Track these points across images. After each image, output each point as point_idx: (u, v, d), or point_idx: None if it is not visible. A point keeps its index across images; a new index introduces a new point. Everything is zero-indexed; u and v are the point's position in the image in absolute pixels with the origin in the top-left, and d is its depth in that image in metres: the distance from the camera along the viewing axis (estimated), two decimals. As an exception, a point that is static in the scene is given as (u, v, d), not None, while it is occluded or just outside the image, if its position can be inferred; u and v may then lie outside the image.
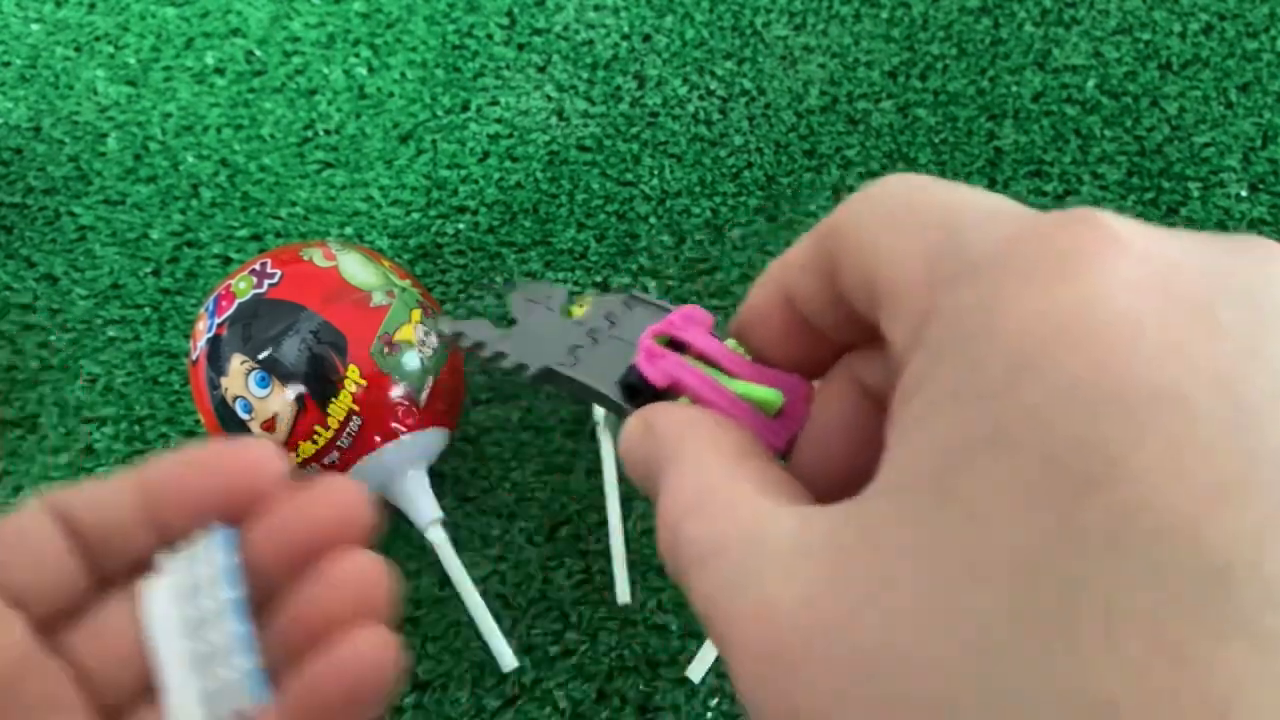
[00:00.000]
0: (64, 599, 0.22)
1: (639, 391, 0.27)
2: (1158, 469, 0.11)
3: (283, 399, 0.40)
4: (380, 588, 0.22)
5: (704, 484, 0.17)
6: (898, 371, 0.14)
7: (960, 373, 0.13)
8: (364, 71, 0.66)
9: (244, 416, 0.41)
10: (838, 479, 0.19)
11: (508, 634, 0.44)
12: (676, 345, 0.28)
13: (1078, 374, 0.11)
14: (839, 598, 0.13)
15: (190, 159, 0.62)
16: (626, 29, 0.67)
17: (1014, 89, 0.63)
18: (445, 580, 0.46)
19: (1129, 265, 0.12)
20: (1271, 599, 0.10)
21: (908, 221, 0.15)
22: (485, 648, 0.44)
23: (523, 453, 0.50)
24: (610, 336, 0.31)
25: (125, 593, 0.23)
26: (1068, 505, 0.11)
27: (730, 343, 0.28)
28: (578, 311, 0.50)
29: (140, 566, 0.23)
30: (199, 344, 0.42)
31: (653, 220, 0.58)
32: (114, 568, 0.23)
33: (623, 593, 0.45)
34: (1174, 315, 0.12)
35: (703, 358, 0.27)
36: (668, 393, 0.26)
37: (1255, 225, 0.57)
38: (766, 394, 0.25)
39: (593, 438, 0.50)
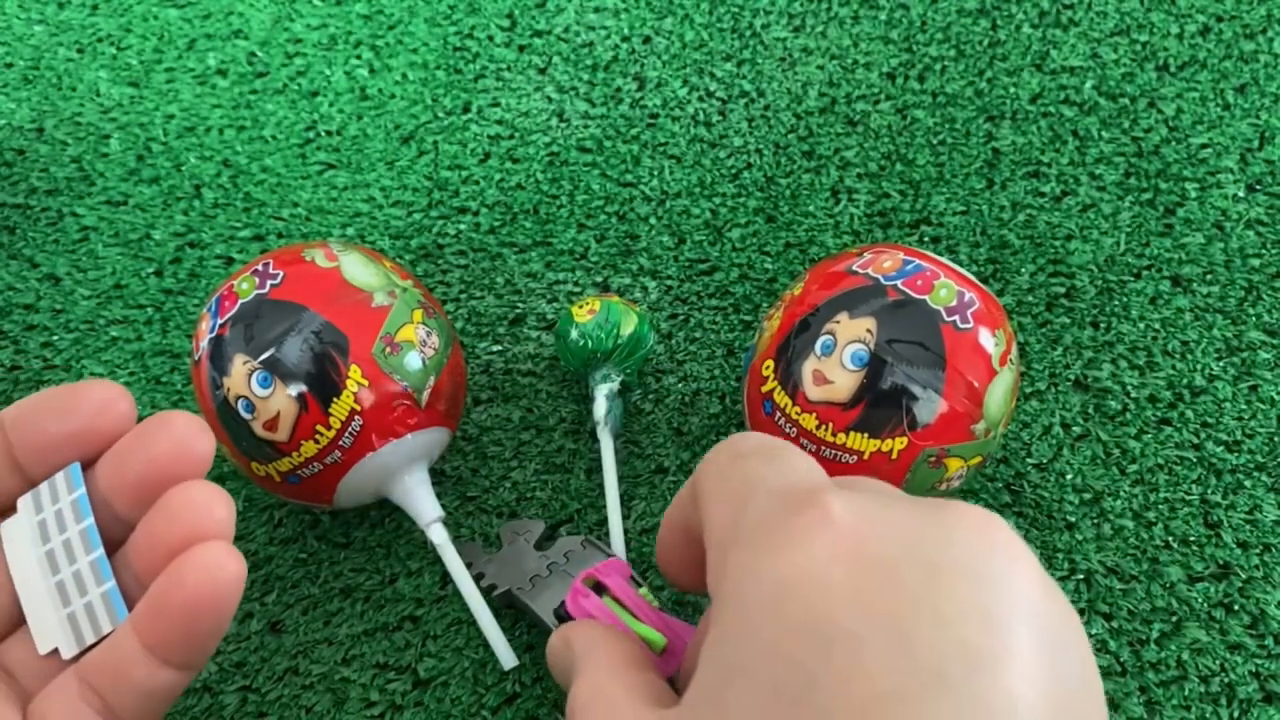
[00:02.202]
0: None
1: (566, 620, 0.38)
2: (840, 687, 0.16)
3: (285, 399, 0.40)
4: (215, 513, 0.24)
5: (596, 687, 0.23)
6: (713, 596, 0.20)
7: (729, 617, 0.18)
8: (365, 73, 0.66)
9: (246, 416, 0.41)
10: None
11: (508, 633, 0.44)
12: (601, 587, 0.39)
13: (795, 618, 0.17)
14: None
15: (192, 160, 0.62)
16: (626, 31, 0.67)
17: (1012, 90, 0.63)
18: (446, 579, 0.46)
19: (834, 540, 0.18)
20: None
21: (721, 493, 0.21)
22: (486, 646, 0.44)
23: (523, 452, 0.50)
24: (562, 571, 0.42)
25: None
26: (786, 713, 0.16)
27: (643, 591, 0.39)
28: (579, 313, 0.50)
29: (8, 511, 0.25)
30: (201, 344, 0.43)
31: (653, 221, 0.59)
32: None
33: (622, 591, 0.45)
34: (862, 576, 0.17)
35: (617, 600, 0.38)
36: None
37: (1252, 225, 0.57)
38: (654, 636, 0.35)
39: (593, 438, 0.50)
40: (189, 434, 0.25)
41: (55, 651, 0.24)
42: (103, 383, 0.25)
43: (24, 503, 0.25)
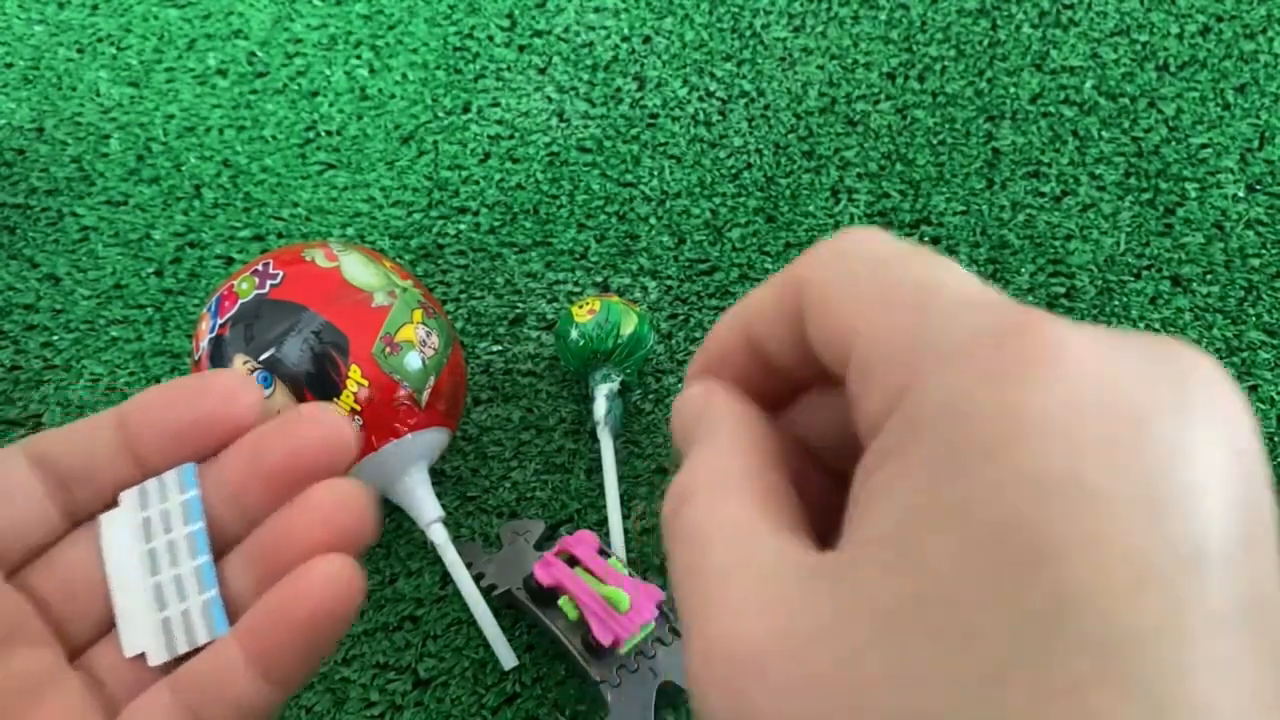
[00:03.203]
0: (36, 538, 0.23)
1: (536, 593, 0.40)
2: (1086, 559, 0.13)
3: (285, 399, 0.40)
4: (354, 515, 0.22)
5: (723, 473, 0.18)
6: (869, 433, 0.16)
7: (932, 451, 0.14)
8: (365, 73, 0.66)
9: (246, 416, 0.41)
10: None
11: (508, 633, 0.44)
12: (574, 559, 0.41)
13: (1027, 466, 0.13)
14: (802, 629, 0.15)
15: (192, 160, 0.62)
16: (626, 31, 0.67)
17: (1012, 90, 0.63)
18: (446, 578, 0.46)
19: (1071, 375, 0.14)
20: (1162, 671, 0.12)
21: (883, 297, 0.17)
22: (486, 646, 0.44)
23: (523, 452, 0.50)
24: None
25: (92, 528, 0.24)
26: (1010, 581, 0.13)
27: (612, 560, 0.40)
28: (579, 313, 0.50)
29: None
30: (201, 344, 0.43)
31: (653, 221, 0.59)
32: (95, 505, 0.24)
33: (622, 591, 0.45)
34: (1109, 423, 0.14)
35: (587, 568, 0.40)
36: (555, 592, 0.39)
37: (1252, 225, 0.57)
38: (619, 595, 0.35)
39: (593, 438, 0.50)
40: (338, 428, 0.23)
41: (141, 656, 0.23)
42: (229, 372, 0.24)
43: (128, 497, 0.23)
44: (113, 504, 0.24)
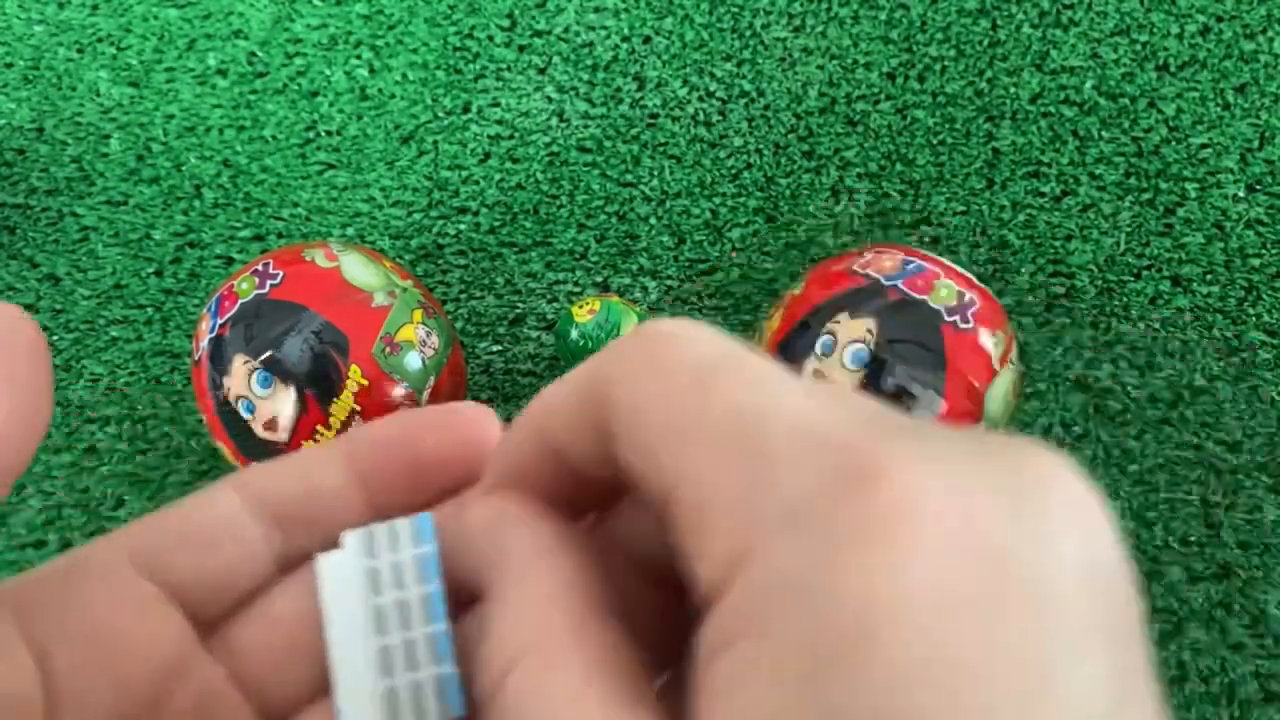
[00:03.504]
0: (243, 587, 0.19)
1: None
2: None
3: (285, 399, 0.40)
4: None
5: (546, 634, 0.15)
6: (708, 592, 0.14)
7: (789, 641, 0.13)
8: (365, 73, 0.66)
9: (246, 416, 0.41)
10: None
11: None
12: None
13: (899, 659, 0.12)
14: None
15: (192, 160, 0.62)
16: (626, 31, 0.67)
17: (1012, 90, 0.63)
18: (446, 579, 0.46)
19: (930, 536, 0.13)
20: None
21: (707, 434, 0.14)
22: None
23: (523, 452, 0.50)
24: None
25: (302, 575, 0.20)
26: None
27: None
28: (579, 313, 0.50)
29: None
30: (201, 344, 0.43)
31: (653, 221, 0.59)
32: (312, 549, 0.20)
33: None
34: (979, 590, 0.12)
35: None
36: None
37: (1252, 225, 0.57)
38: None
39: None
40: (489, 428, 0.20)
41: None
42: (473, 405, 0.20)
43: (352, 539, 0.20)
44: (332, 546, 0.20)
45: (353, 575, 0.19)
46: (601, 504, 0.19)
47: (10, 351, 0.16)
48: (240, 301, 0.42)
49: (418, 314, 0.44)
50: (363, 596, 0.19)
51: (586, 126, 0.63)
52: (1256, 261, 0.56)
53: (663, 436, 0.15)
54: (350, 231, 0.59)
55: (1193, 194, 0.58)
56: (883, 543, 0.12)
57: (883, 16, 0.67)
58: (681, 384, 0.15)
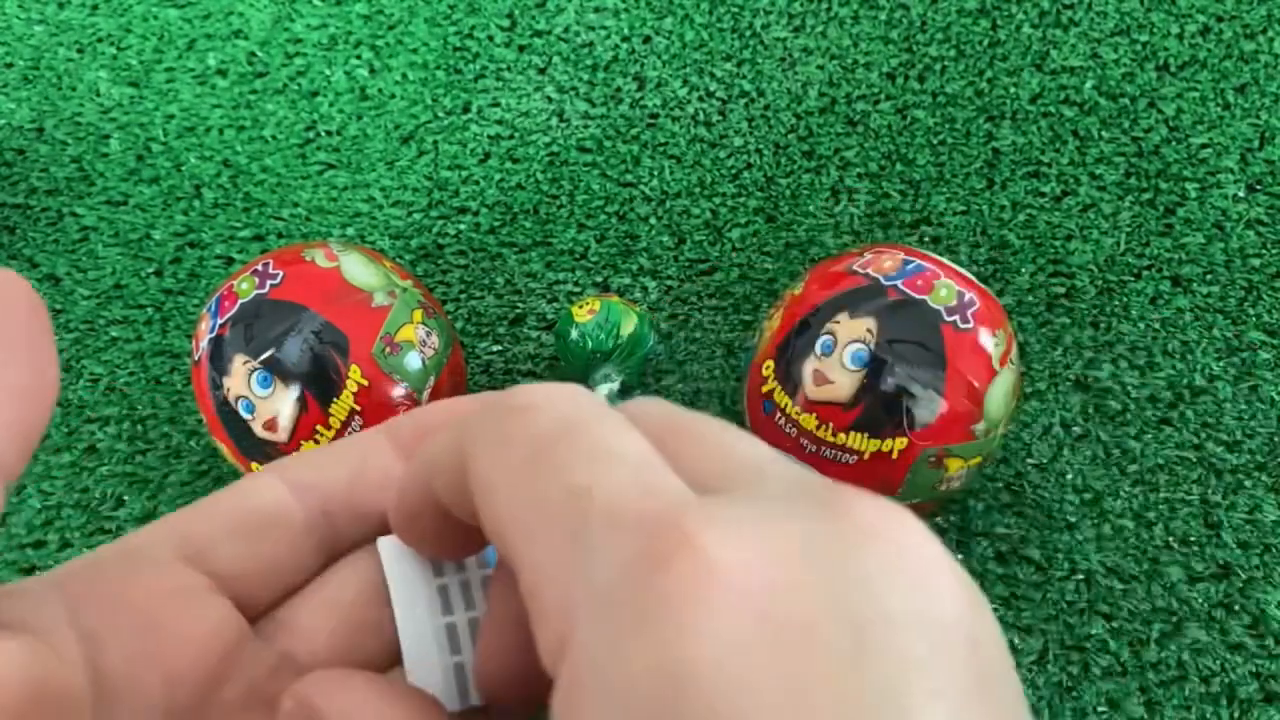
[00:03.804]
0: (289, 578, 0.19)
1: None
2: None
3: (285, 399, 0.40)
4: None
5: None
6: (550, 674, 0.14)
7: None
8: (365, 73, 0.66)
9: (246, 416, 0.41)
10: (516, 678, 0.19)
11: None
12: None
13: None
14: None
15: (192, 160, 0.62)
16: (626, 31, 0.67)
17: (1012, 90, 0.63)
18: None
19: (730, 602, 0.12)
20: None
21: (538, 515, 0.14)
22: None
23: (523, 452, 0.50)
24: None
25: (354, 561, 0.20)
26: None
27: None
28: (579, 313, 0.50)
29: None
30: (201, 344, 0.43)
31: (653, 221, 0.59)
32: (356, 538, 0.20)
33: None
34: (780, 652, 0.12)
35: None
36: None
37: (1252, 225, 0.57)
38: None
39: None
40: None
41: None
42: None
43: None
44: (377, 535, 0.20)
45: (414, 557, 0.20)
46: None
47: (10, 317, 0.16)
48: (240, 301, 0.42)
49: (418, 314, 0.44)
50: (425, 578, 0.19)
51: (586, 126, 0.63)
52: (1257, 261, 0.56)
53: (506, 515, 0.15)
54: (350, 231, 0.59)
55: (1193, 194, 0.58)
56: (674, 620, 0.12)
57: (883, 16, 0.67)
58: (521, 461, 0.15)
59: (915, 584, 0.13)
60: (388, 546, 0.20)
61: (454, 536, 0.18)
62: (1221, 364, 0.52)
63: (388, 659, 0.20)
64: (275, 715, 0.18)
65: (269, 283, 0.42)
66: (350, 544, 0.20)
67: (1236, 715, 0.42)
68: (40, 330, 0.16)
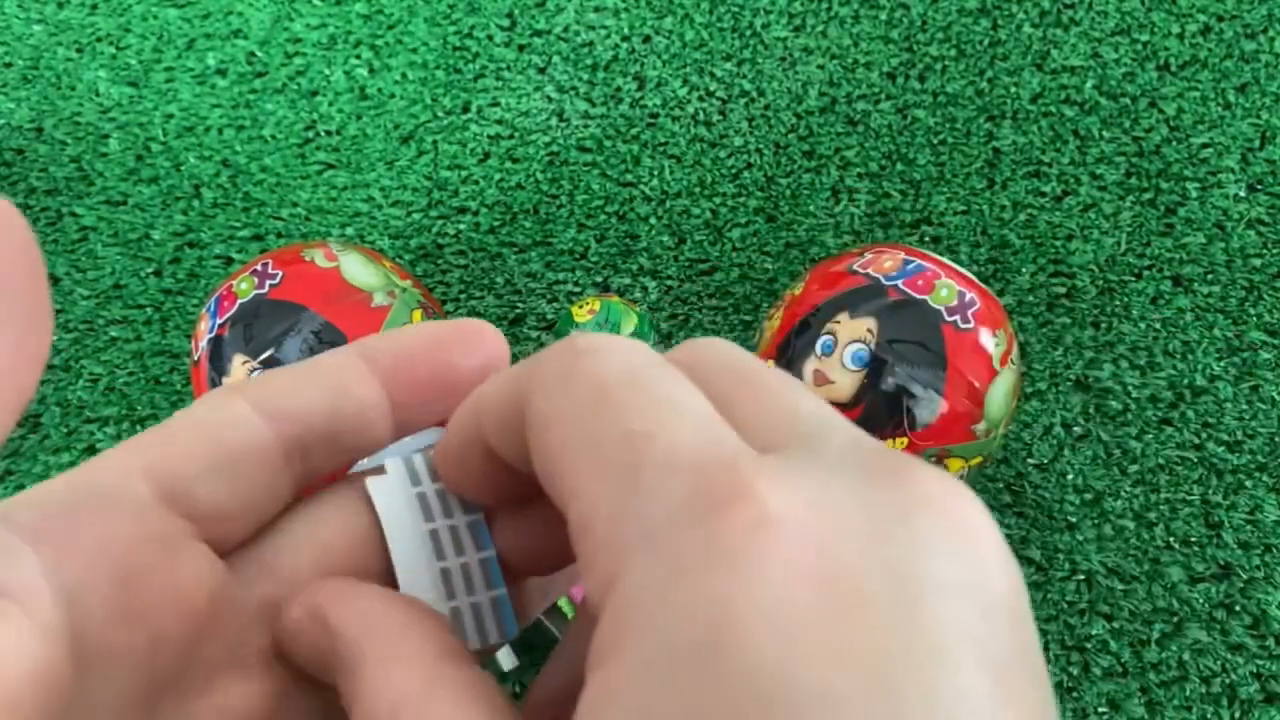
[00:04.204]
0: (263, 513, 0.18)
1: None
2: None
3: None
4: None
5: (400, 697, 0.15)
6: (595, 615, 0.14)
7: (645, 656, 0.13)
8: (365, 73, 0.66)
9: (246, 416, 0.41)
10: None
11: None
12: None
13: (746, 670, 0.12)
14: None
15: (192, 160, 0.62)
16: (626, 30, 0.67)
17: (1012, 90, 0.63)
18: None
19: (784, 553, 0.13)
20: None
21: (596, 455, 0.15)
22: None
23: (523, 452, 0.50)
24: None
25: (333, 500, 0.19)
26: None
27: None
28: (579, 313, 0.50)
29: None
30: (201, 344, 0.42)
31: (653, 221, 0.59)
32: (327, 470, 0.19)
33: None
34: (828, 606, 0.12)
35: None
36: None
37: (1253, 225, 0.57)
38: None
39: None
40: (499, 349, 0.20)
41: None
42: (478, 322, 0.19)
43: (395, 466, 0.20)
44: (347, 468, 0.20)
45: (403, 501, 0.19)
46: (534, 496, 0.18)
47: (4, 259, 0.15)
48: (239, 301, 0.42)
49: (417, 314, 0.44)
50: (415, 522, 0.19)
51: (586, 126, 0.63)
52: (1257, 261, 0.56)
53: (561, 452, 0.15)
54: (350, 231, 0.59)
55: (1194, 194, 0.58)
56: (731, 561, 0.12)
57: (883, 16, 0.67)
58: (583, 402, 0.15)
59: (968, 555, 0.13)
60: (379, 487, 0.19)
61: (497, 480, 0.18)
62: (1222, 364, 0.52)
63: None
64: (259, 670, 0.18)
65: (268, 283, 0.42)
66: (322, 476, 0.19)
67: (1237, 716, 0.42)
68: (33, 274, 0.15)
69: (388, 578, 0.19)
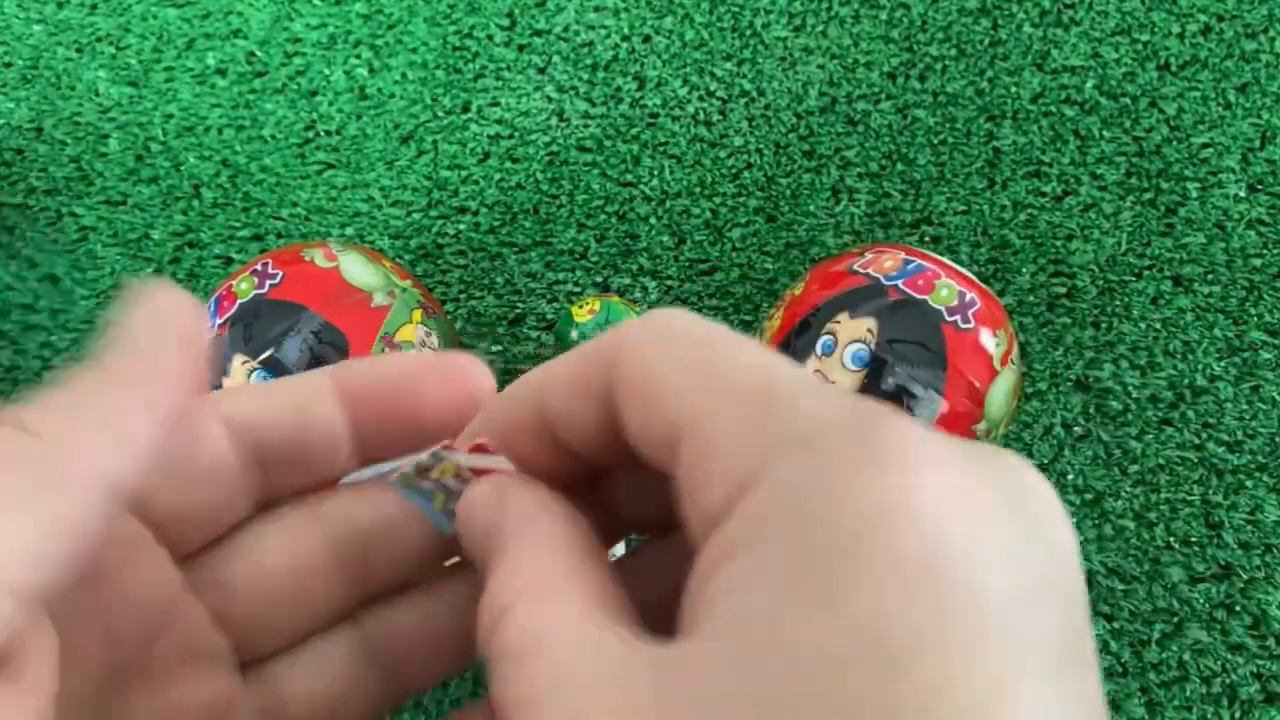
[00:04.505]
0: (225, 523, 0.18)
1: None
2: (960, 650, 0.12)
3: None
4: None
5: (542, 574, 0.16)
6: (707, 524, 0.15)
7: (793, 541, 0.13)
8: (365, 72, 0.66)
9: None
10: None
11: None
12: None
13: (895, 558, 0.13)
14: None
15: (192, 160, 0.62)
16: (626, 30, 0.67)
17: (1013, 90, 0.63)
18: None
19: (935, 465, 0.14)
20: None
21: (716, 383, 0.15)
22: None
23: (523, 452, 0.50)
24: None
25: (291, 516, 0.19)
26: (882, 676, 0.12)
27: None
28: (579, 313, 0.50)
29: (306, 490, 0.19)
30: (200, 344, 0.42)
31: (653, 221, 0.59)
32: (288, 493, 0.19)
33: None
34: (970, 513, 0.14)
35: None
36: None
37: (1254, 225, 0.57)
38: None
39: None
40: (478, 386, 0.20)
41: None
42: (466, 356, 0.19)
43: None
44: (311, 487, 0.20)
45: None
46: (575, 483, 0.19)
47: (163, 333, 0.16)
48: (239, 301, 0.42)
49: (417, 314, 0.44)
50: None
51: (586, 126, 0.63)
52: (1258, 261, 0.56)
53: (671, 391, 0.16)
54: (349, 231, 0.59)
55: (1194, 194, 0.58)
56: (887, 465, 0.14)
57: (883, 16, 0.66)
58: (691, 346, 0.16)
59: (1063, 529, 0.15)
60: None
61: (545, 455, 0.18)
62: (1223, 364, 0.52)
63: (323, 624, 0.19)
64: (209, 671, 0.18)
65: (268, 283, 0.42)
66: (284, 492, 0.19)
67: (1238, 716, 0.42)
68: (193, 349, 0.16)
69: (325, 605, 0.19)
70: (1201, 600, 0.45)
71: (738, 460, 0.14)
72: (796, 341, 0.41)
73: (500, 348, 0.54)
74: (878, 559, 0.13)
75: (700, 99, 0.64)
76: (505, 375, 0.53)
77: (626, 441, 0.17)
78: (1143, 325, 0.54)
